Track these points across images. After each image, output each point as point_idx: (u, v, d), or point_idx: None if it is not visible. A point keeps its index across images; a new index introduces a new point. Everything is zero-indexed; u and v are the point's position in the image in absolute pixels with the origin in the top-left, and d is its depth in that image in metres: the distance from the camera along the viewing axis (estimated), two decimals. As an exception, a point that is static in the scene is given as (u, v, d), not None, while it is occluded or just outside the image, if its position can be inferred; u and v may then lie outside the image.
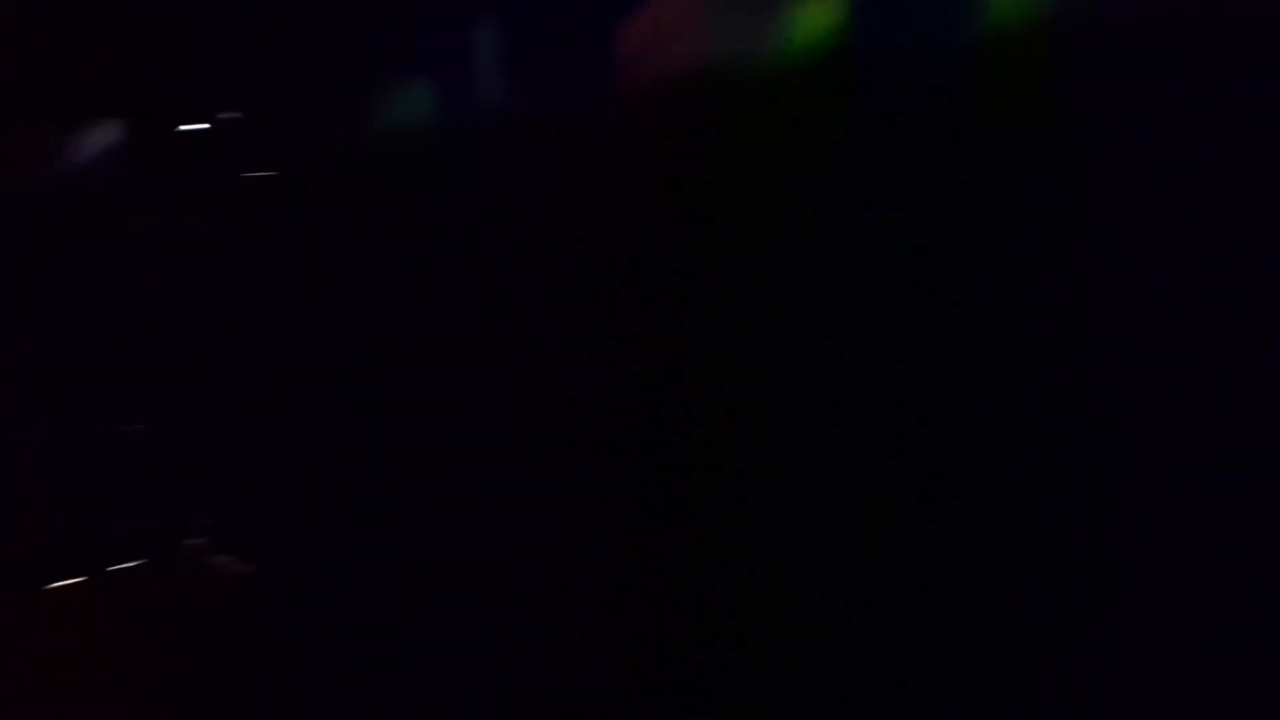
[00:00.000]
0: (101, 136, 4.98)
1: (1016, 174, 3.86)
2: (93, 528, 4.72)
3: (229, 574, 4.71)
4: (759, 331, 3.96)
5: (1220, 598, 3.76)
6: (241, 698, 4.43)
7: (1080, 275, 3.89)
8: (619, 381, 4.35)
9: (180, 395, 5.01)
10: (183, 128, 5.08)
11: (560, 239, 4.48)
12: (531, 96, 4.67)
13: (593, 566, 4.35)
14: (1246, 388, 3.82)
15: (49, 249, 4.84)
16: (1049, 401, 3.83)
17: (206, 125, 5.08)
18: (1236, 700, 3.63)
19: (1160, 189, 3.87)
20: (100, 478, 4.83)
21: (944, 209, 3.85)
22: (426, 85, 4.93)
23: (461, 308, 4.73)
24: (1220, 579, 3.76)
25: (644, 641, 4.10)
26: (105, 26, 4.67)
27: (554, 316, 4.51)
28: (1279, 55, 3.90)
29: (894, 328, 3.85)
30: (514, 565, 4.42)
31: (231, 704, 4.41)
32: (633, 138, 4.36)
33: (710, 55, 4.14)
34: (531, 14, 4.68)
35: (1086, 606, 3.73)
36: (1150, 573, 3.81)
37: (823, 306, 3.88)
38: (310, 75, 4.90)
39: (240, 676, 4.47)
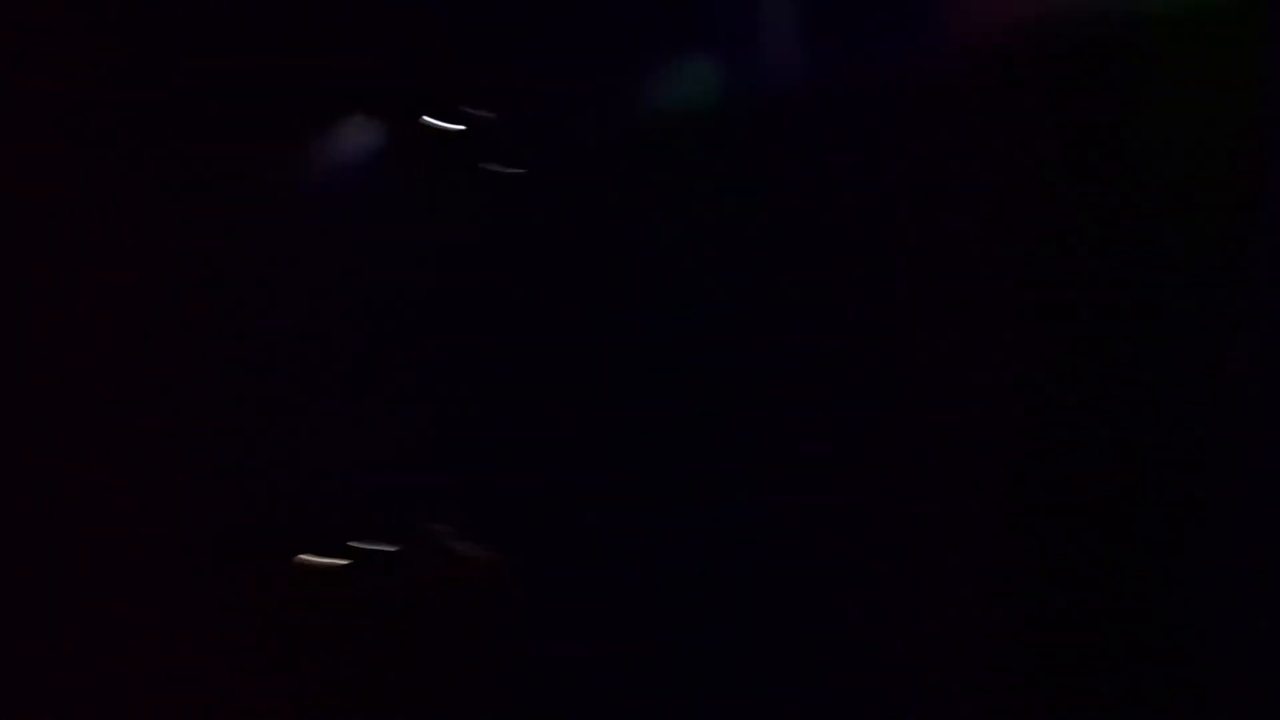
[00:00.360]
0: (359, 135, 5.09)
1: None
2: (352, 510, 4.79)
3: (477, 561, 4.65)
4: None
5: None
6: (483, 679, 4.42)
7: None
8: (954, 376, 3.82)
9: (436, 386, 5.07)
10: (437, 125, 5.17)
11: (887, 230, 3.93)
12: (836, 67, 4.11)
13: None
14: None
15: (310, 245, 4.95)
16: None
17: (460, 123, 5.16)
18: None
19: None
20: (362, 463, 4.93)
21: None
22: (709, 64, 4.53)
23: (738, 298, 4.43)
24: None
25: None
26: (364, 28, 4.69)
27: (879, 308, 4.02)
28: None
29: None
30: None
31: (473, 684, 4.40)
32: (971, 105, 3.74)
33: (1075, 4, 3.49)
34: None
35: None
36: None
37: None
38: (571, 67, 4.77)
39: (482, 659, 4.46)
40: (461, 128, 5.13)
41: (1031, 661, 3.51)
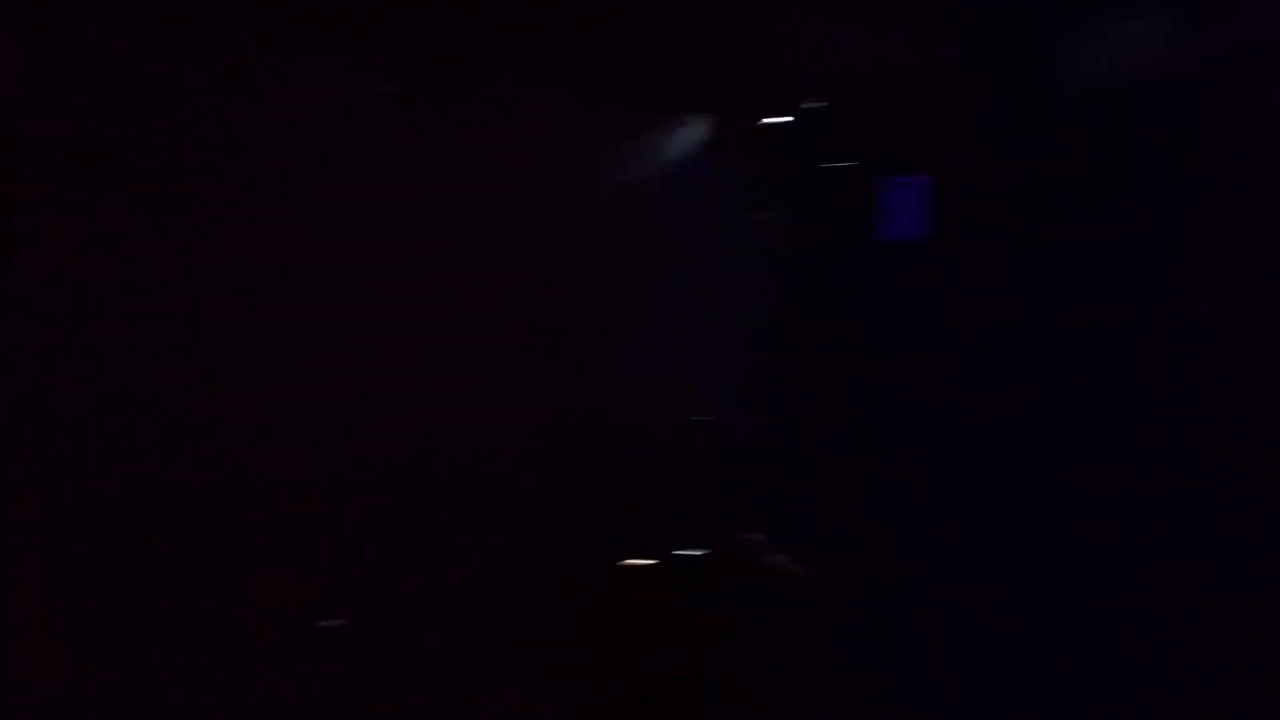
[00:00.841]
0: (687, 132, 5.02)
1: None
2: (664, 514, 4.81)
3: (785, 572, 4.68)
4: None
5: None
6: (784, 691, 4.40)
7: None
8: None
9: (753, 389, 5.00)
10: (766, 120, 5.05)
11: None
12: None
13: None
14: None
15: (636, 243, 4.91)
16: None
17: (790, 117, 5.01)
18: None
19: None
20: (672, 466, 4.90)
21: None
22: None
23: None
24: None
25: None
26: (691, 25, 4.59)
27: None
28: None
29: None
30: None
31: (770, 696, 4.39)
32: None
33: None
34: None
35: None
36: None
37: None
38: (917, 53, 4.54)
39: (785, 671, 4.44)
40: (793, 119, 4.95)
41: None
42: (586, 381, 4.81)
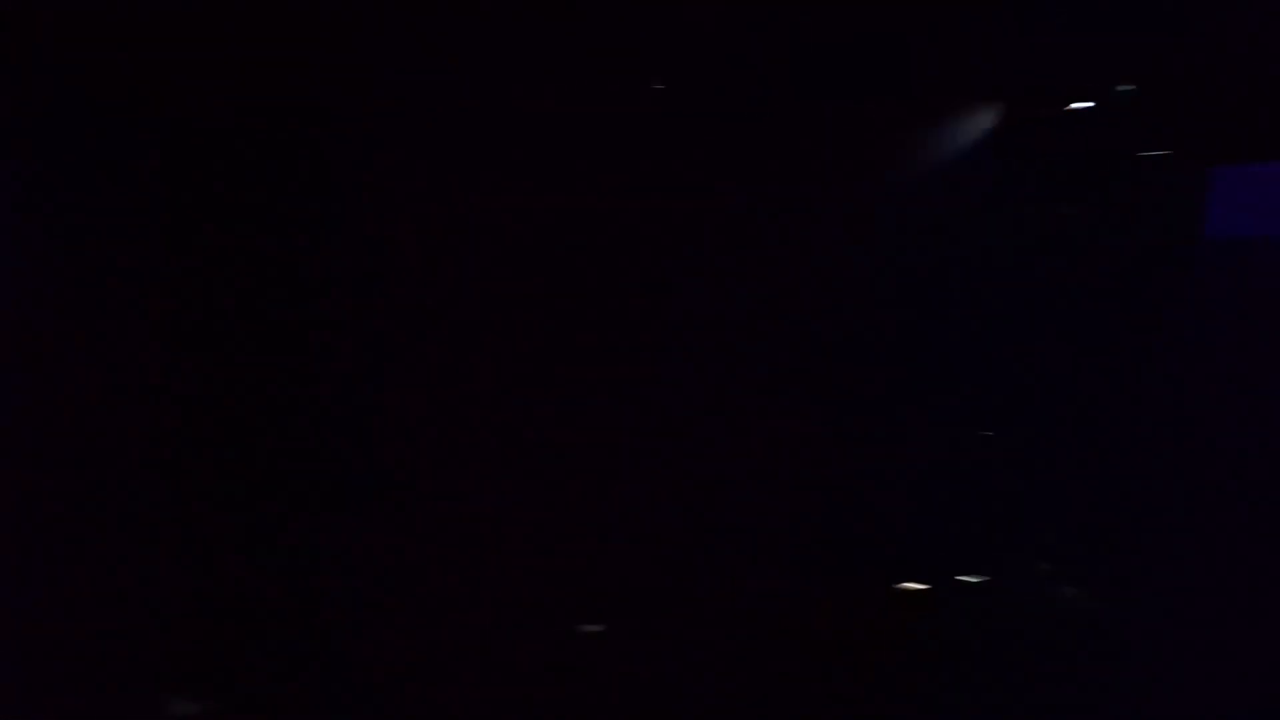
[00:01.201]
0: (977, 117, 4.68)
1: None
2: (943, 537, 4.55)
3: (1070, 604, 4.34)
4: None
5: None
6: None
7: None
8: None
9: (1046, 402, 4.62)
10: (1069, 106, 4.62)
11: None
12: None
13: None
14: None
15: (923, 234, 4.65)
16: None
17: (1093, 103, 4.58)
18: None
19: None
20: (955, 485, 4.62)
21: None
22: None
23: None
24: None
25: None
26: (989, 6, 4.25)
27: None
28: None
29: None
30: None
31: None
32: None
33: None
34: None
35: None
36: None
37: None
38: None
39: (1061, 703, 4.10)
40: (1090, 106, 4.57)
41: None
42: (866, 391, 4.58)
